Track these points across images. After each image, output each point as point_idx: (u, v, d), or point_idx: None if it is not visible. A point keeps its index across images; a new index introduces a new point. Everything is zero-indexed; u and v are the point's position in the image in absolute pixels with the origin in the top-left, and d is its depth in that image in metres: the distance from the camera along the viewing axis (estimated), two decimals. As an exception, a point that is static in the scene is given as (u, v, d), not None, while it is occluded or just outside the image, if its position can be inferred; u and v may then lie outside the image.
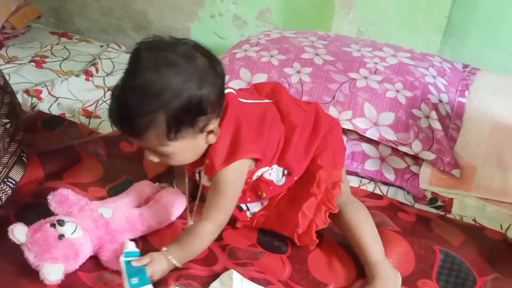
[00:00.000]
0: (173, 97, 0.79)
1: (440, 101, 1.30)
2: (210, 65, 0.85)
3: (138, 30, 2.06)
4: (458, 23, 1.61)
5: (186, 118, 0.82)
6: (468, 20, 1.61)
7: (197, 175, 1.00)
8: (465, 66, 1.52)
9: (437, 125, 1.25)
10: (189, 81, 0.81)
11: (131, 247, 0.86)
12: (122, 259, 0.83)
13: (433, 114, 1.26)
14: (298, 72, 1.33)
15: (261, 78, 1.35)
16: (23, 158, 1.06)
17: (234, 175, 0.92)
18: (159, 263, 0.86)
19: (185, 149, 0.86)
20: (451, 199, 1.21)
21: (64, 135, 1.26)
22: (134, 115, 0.80)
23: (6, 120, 1.02)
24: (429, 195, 1.23)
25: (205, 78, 0.83)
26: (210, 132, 0.88)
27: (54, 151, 1.16)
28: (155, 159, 0.88)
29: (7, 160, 1.01)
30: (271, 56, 1.38)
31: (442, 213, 1.20)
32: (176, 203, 1.02)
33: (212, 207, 0.92)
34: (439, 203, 1.22)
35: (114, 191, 1.09)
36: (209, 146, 0.91)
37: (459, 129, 1.27)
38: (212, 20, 1.95)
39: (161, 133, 0.81)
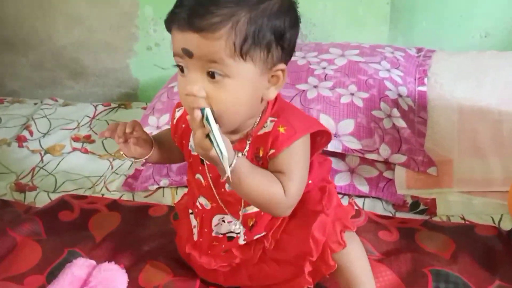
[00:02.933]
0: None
1: (400, 95, 1.19)
2: (295, 5, 0.72)
3: (74, 78, 1.92)
4: (402, 8, 1.52)
5: (266, 32, 0.67)
6: (413, 2, 1.52)
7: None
8: (419, 50, 1.43)
9: (401, 123, 1.14)
10: None
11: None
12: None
13: (395, 112, 1.15)
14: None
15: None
16: None
17: (307, 147, 0.76)
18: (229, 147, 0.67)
19: (246, 82, 0.68)
20: (434, 200, 1.10)
21: (-4, 220, 1.12)
22: (217, 2, 0.65)
23: None
24: (409, 200, 1.12)
25: (290, 7, 0.70)
26: (275, 76, 0.71)
27: (-16, 242, 1.02)
28: (200, 91, 0.66)
29: None
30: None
31: (427, 217, 1.09)
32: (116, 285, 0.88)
33: (287, 179, 0.73)
34: (422, 206, 1.11)
35: (55, 274, 0.94)
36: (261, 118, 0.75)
37: (425, 122, 1.17)
38: (150, 52, 1.82)
39: (236, 38, 0.65)
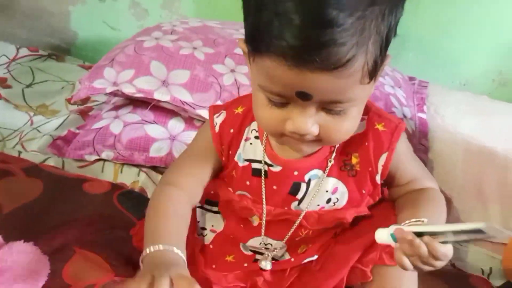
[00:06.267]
0: None
1: (404, 115, 1.06)
2: None
3: (-5, 10, 1.54)
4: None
5: (387, 39, 0.52)
6: (406, 32, 1.43)
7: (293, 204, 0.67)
8: (411, 79, 1.33)
9: (407, 146, 1.00)
10: None
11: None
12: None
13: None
14: (232, 71, 0.99)
15: (181, 75, 0.98)
16: None
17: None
18: None
19: (364, 100, 0.57)
20: (424, 238, 0.97)
21: None
22: (339, 23, 0.45)
23: None
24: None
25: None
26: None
27: None
28: (314, 128, 0.54)
29: None
30: (194, 48, 1.03)
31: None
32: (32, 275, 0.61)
33: (421, 174, 0.72)
34: (411, 244, 0.97)
35: None
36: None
37: (426, 150, 1.05)
38: (102, 5, 1.52)
39: (369, 64, 0.50)
